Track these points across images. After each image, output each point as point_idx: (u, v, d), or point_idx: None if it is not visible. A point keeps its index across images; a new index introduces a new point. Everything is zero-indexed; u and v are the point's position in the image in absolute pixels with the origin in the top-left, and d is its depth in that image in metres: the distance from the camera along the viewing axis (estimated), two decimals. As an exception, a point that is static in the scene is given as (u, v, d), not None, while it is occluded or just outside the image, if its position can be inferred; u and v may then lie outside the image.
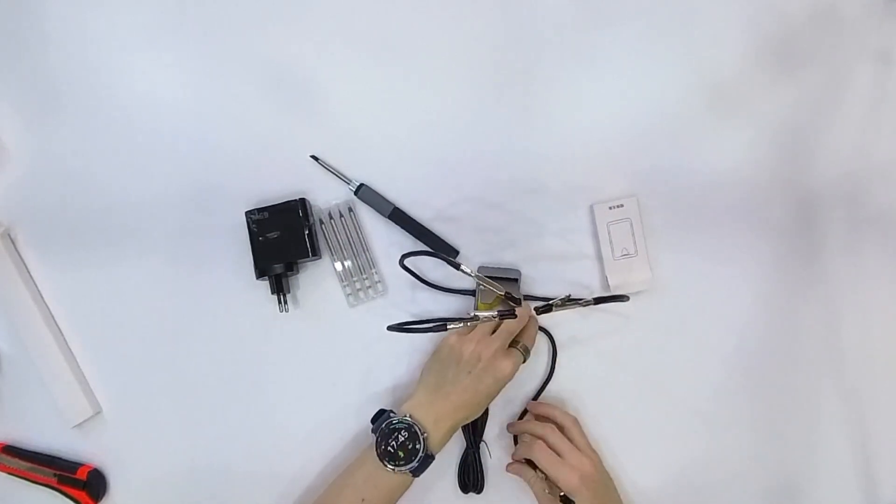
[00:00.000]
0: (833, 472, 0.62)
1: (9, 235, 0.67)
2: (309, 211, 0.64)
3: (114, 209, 0.66)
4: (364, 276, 0.64)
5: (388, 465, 0.54)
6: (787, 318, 0.62)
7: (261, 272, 0.63)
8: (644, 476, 0.63)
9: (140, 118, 0.66)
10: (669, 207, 0.63)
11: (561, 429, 0.59)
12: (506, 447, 0.64)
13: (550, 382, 0.63)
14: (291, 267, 0.63)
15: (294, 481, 0.64)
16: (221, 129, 0.65)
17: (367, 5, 0.64)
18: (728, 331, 0.63)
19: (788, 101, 0.62)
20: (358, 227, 0.64)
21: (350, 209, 0.64)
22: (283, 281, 0.63)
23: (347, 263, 0.64)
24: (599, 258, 0.63)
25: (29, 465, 0.65)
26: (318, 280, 0.65)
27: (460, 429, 0.60)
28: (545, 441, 0.57)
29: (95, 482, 0.65)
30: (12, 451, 0.66)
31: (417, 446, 0.54)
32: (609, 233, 0.62)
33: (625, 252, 0.62)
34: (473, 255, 0.64)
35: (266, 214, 0.63)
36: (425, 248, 0.63)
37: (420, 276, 0.62)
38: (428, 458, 0.55)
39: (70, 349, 0.67)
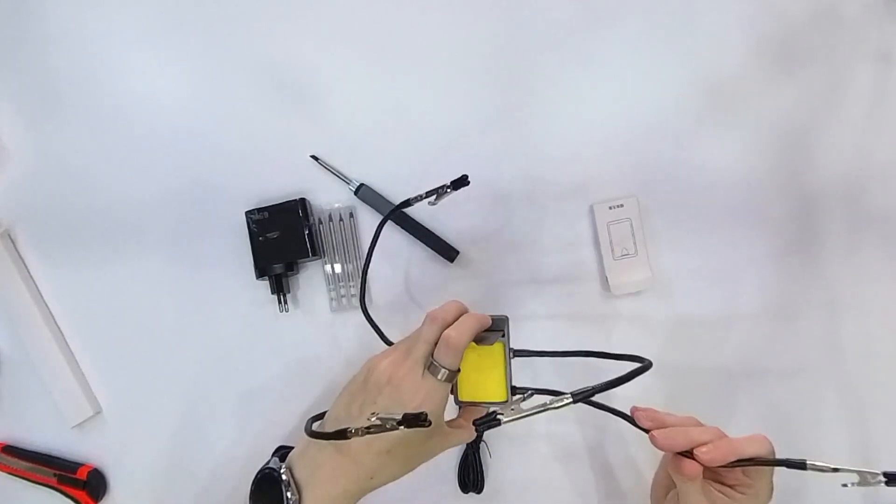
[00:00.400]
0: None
1: (9, 235, 0.67)
2: (309, 211, 0.64)
3: (114, 209, 0.66)
4: (351, 284, 0.64)
5: None
6: (787, 318, 0.62)
7: (261, 272, 0.63)
8: (644, 475, 0.63)
9: (140, 118, 0.66)
10: (669, 207, 0.63)
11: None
12: (506, 447, 0.63)
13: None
14: (291, 267, 0.63)
15: (294, 481, 0.64)
16: (221, 129, 0.65)
17: (367, 5, 0.64)
18: (728, 331, 0.63)
19: (788, 101, 0.62)
20: (355, 233, 0.64)
21: (351, 214, 0.64)
22: (283, 281, 0.63)
23: (337, 268, 0.64)
24: (599, 258, 0.63)
25: (29, 465, 0.65)
26: (319, 280, 0.65)
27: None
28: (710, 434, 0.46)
29: (95, 482, 0.65)
30: (12, 451, 0.66)
31: None
32: (609, 233, 0.62)
33: (625, 252, 0.62)
34: (474, 255, 0.64)
35: (266, 214, 0.63)
36: (425, 247, 0.63)
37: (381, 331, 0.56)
38: None
39: (70, 349, 0.67)
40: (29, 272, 0.67)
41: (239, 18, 0.65)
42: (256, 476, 0.48)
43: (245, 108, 0.65)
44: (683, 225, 0.63)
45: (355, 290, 0.64)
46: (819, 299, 0.62)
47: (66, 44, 0.66)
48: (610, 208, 0.62)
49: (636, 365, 0.44)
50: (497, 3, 0.63)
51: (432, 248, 0.63)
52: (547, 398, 0.42)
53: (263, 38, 0.65)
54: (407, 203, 0.56)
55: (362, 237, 0.65)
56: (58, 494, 0.65)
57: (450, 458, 0.63)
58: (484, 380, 0.49)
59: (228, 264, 0.65)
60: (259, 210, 0.63)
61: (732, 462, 0.45)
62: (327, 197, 0.65)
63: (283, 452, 0.50)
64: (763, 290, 0.62)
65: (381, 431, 0.37)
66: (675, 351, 0.63)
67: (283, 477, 0.45)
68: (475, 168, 0.63)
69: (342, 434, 0.39)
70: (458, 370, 0.46)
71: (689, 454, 0.45)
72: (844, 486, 0.43)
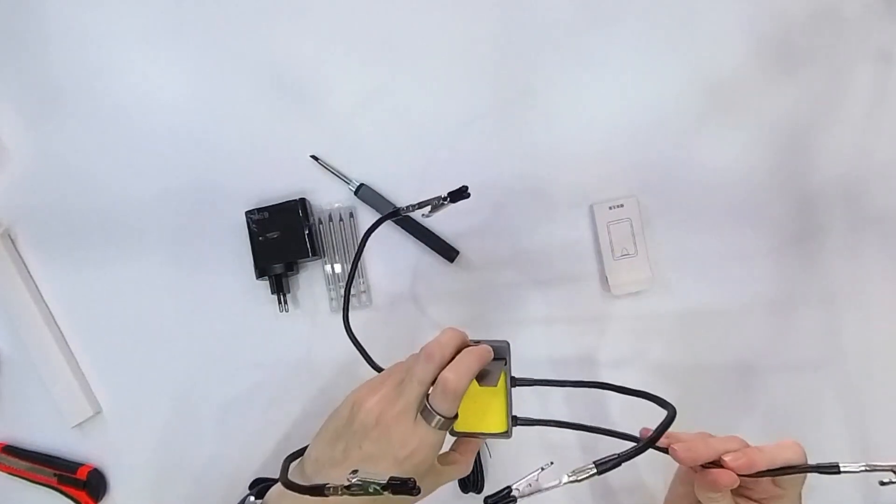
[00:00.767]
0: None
1: (9, 235, 0.67)
2: (309, 211, 0.64)
3: (114, 209, 0.66)
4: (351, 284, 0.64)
5: None
6: (787, 318, 0.62)
7: (261, 272, 0.63)
8: (643, 475, 0.63)
9: (140, 118, 0.66)
10: (669, 207, 0.63)
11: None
12: (506, 446, 0.63)
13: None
14: (291, 267, 0.63)
15: (294, 481, 0.64)
16: (221, 129, 0.65)
17: (367, 5, 0.64)
18: (728, 330, 0.63)
19: (788, 101, 0.62)
20: (355, 233, 0.64)
21: (351, 214, 0.64)
22: (283, 281, 0.63)
23: (337, 268, 0.64)
24: (599, 258, 0.63)
25: (29, 465, 0.65)
26: (319, 280, 0.65)
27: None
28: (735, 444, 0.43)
29: (95, 482, 0.65)
30: (12, 451, 0.66)
31: None
32: (609, 233, 0.62)
33: (625, 252, 0.62)
34: (474, 255, 0.64)
35: (266, 214, 0.63)
36: (425, 247, 0.63)
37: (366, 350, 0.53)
38: None
39: (70, 349, 0.67)
40: (29, 272, 0.67)
41: (239, 18, 0.65)
42: None
43: (245, 107, 0.65)
44: (683, 225, 0.63)
45: (355, 290, 0.64)
46: (819, 299, 0.62)
47: (66, 44, 0.66)
48: (610, 208, 0.62)
49: (649, 401, 0.41)
50: (497, 2, 0.63)
51: (432, 248, 0.63)
52: (565, 472, 0.39)
53: (263, 38, 0.65)
54: (397, 213, 0.53)
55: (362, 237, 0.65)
56: (58, 494, 0.65)
57: (450, 458, 0.64)
58: (482, 409, 0.45)
59: (228, 264, 0.65)
60: (259, 210, 0.63)
61: (762, 471, 0.41)
62: (327, 197, 0.65)
63: (260, 487, 0.46)
64: (763, 289, 0.62)
65: (363, 494, 0.34)
66: (675, 351, 0.63)
67: None
68: (475, 168, 0.64)
69: (319, 490, 0.35)
70: (456, 416, 0.42)
71: (713, 466, 0.42)
72: (882, 483, 0.40)
